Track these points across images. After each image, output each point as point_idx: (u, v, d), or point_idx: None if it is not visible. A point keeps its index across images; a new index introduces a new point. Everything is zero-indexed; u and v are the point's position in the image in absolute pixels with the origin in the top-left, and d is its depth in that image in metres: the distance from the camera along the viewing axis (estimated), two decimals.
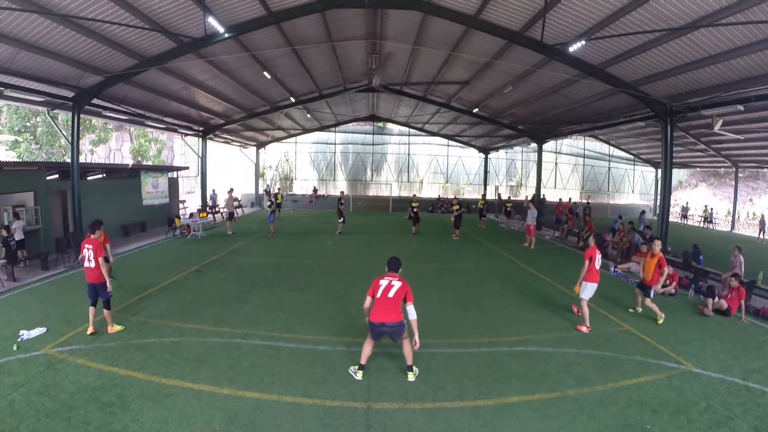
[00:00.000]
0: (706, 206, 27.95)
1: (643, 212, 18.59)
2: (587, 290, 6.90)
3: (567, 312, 7.59)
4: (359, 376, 5.01)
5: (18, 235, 9.88)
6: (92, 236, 6.10)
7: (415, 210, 16.32)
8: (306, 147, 30.18)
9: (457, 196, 24.01)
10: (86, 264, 5.94)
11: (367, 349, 5.02)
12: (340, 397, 4.59)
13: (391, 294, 4.82)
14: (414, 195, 18.33)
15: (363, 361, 5.04)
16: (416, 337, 4.81)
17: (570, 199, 20.56)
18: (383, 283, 4.89)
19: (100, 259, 5.90)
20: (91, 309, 6.05)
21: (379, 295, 4.83)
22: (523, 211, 20.15)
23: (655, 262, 7.37)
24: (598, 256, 6.99)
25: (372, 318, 4.85)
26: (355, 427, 4.11)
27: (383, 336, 4.94)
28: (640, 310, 7.76)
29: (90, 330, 6.02)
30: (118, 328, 6.26)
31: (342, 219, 16.06)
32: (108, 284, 6.02)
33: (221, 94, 16.60)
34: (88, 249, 5.91)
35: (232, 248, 13.04)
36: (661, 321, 7.20)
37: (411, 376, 5.01)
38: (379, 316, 4.81)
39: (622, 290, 9.38)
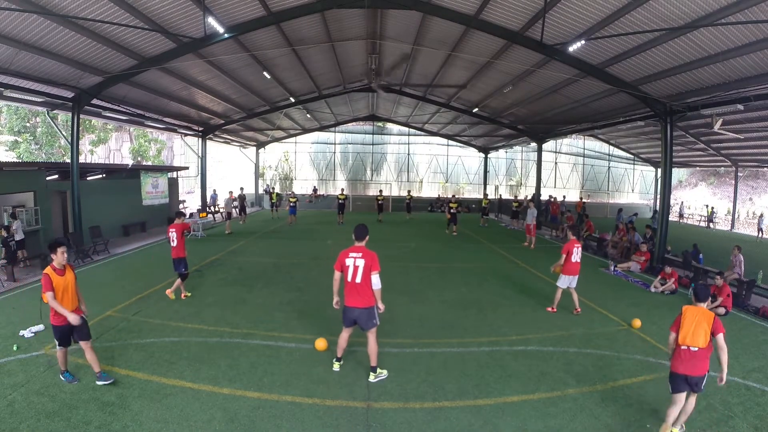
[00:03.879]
0: (706, 206, 28.13)
1: (620, 210, 19.01)
2: (562, 280, 7.37)
3: (567, 311, 7.58)
4: (336, 367, 5.13)
5: (18, 235, 9.90)
6: (176, 222, 7.85)
7: (380, 202, 20.88)
8: (306, 147, 30.17)
9: (456, 196, 24.37)
10: (171, 243, 7.65)
11: (342, 341, 5.07)
12: (340, 397, 4.59)
13: (358, 278, 4.72)
14: (380, 191, 22.07)
15: (338, 353, 5.15)
16: (379, 303, 4.82)
17: (563, 197, 21.11)
18: (349, 263, 4.76)
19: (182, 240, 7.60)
20: (179, 280, 7.79)
21: (349, 278, 4.76)
22: (522, 211, 20.48)
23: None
24: (576, 250, 7.27)
25: (345, 302, 4.84)
26: (354, 426, 4.11)
27: (355, 323, 4.88)
28: None
29: (182, 295, 7.83)
30: (173, 297, 7.74)
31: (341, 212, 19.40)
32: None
33: (221, 94, 16.60)
34: (172, 232, 7.63)
35: (232, 248, 13.04)
36: None
37: (372, 377, 4.90)
38: (351, 301, 4.79)
39: (622, 289, 9.38)
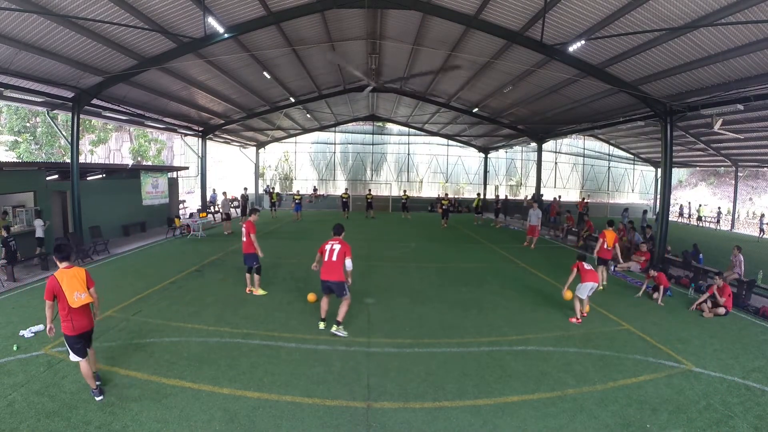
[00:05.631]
0: (700, 205, 28.32)
1: (645, 211, 18.80)
2: (583, 289, 7.04)
3: (567, 311, 7.58)
4: (321, 326, 6.29)
5: (38, 233, 10.66)
6: (248, 219, 8.04)
7: (369, 200, 22.62)
8: (306, 147, 30.15)
9: (447, 194, 24.65)
10: (242, 238, 7.88)
11: (323, 304, 6.36)
12: (340, 397, 4.60)
13: (334, 257, 6.00)
14: (369, 190, 24.15)
15: (322, 315, 6.36)
16: (349, 279, 6.14)
17: (559, 196, 21.30)
18: (327, 247, 6.14)
19: (252, 235, 7.75)
20: (247, 275, 8.17)
21: (326, 258, 6.07)
22: (522, 210, 20.61)
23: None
24: (586, 265, 7.17)
25: (321, 276, 6.10)
26: (355, 426, 4.11)
27: (331, 292, 6.11)
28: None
29: (247, 290, 8.14)
30: (261, 292, 8.05)
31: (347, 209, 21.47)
32: (259, 253, 7.86)
33: (221, 94, 16.60)
34: (243, 228, 7.88)
35: (232, 248, 13.02)
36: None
37: (334, 328, 6.05)
38: (325, 275, 6.05)
39: (622, 289, 9.38)
